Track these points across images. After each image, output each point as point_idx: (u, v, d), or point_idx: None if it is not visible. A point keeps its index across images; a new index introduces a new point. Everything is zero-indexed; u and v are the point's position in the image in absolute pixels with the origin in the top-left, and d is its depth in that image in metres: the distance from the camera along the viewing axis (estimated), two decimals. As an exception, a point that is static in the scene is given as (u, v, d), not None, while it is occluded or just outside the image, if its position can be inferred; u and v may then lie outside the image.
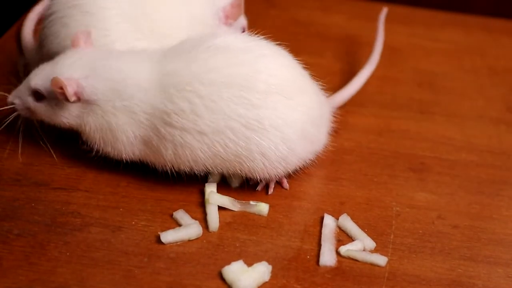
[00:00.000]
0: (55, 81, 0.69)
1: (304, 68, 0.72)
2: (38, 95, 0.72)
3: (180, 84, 0.67)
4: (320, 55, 0.95)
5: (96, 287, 0.62)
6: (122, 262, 0.64)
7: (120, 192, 0.71)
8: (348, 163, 0.77)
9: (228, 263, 0.64)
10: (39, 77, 0.72)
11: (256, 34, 0.71)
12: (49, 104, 0.72)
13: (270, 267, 0.64)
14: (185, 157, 0.69)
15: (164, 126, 0.68)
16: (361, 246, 0.67)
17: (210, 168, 0.69)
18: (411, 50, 0.98)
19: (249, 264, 0.64)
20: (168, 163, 0.70)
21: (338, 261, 0.66)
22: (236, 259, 0.65)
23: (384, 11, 0.91)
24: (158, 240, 0.66)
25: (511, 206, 0.73)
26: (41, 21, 0.82)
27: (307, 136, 0.70)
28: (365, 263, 0.66)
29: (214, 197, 0.70)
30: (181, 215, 0.69)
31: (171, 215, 0.69)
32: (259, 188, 0.72)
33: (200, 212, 0.70)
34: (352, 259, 0.66)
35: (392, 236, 0.69)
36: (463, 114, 0.86)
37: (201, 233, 0.67)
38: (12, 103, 0.73)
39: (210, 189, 0.71)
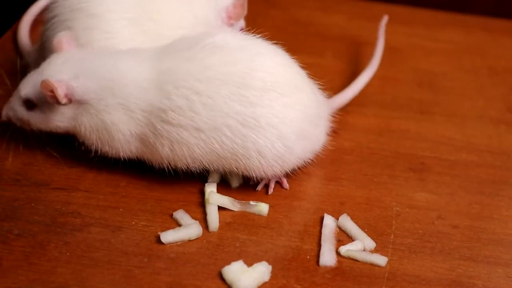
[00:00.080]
0: (44, 84, 0.68)
1: (303, 67, 0.72)
2: (29, 103, 0.72)
3: (178, 81, 0.67)
4: (320, 55, 0.95)
5: (96, 287, 0.62)
6: (122, 262, 0.64)
7: (120, 192, 0.71)
8: (348, 163, 0.77)
9: (228, 263, 0.64)
10: (28, 85, 0.71)
11: (254, 33, 0.71)
12: (41, 111, 0.71)
13: (270, 267, 0.64)
14: (182, 153, 0.69)
15: (161, 123, 0.68)
16: (361, 246, 0.67)
17: (206, 165, 0.69)
18: (411, 50, 0.98)
19: (249, 264, 0.64)
20: (165, 160, 0.70)
21: (338, 261, 0.66)
22: (236, 259, 0.65)
23: (385, 18, 0.91)
24: (158, 240, 0.66)
25: (511, 206, 0.73)
26: (37, 23, 0.82)
27: (304, 134, 0.70)
28: (365, 263, 0.66)
29: (214, 197, 0.70)
30: (181, 215, 0.69)
31: (171, 215, 0.69)
32: (259, 188, 0.72)
33: (200, 212, 0.70)
34: (352, 259, 0.66)
35: (392, 236, 0.69)
36: (463, 114, 0.86)
37: (201, 233, 0.67)
38: (7, 116, 0.73)
39: (210, 189, 0.71)
